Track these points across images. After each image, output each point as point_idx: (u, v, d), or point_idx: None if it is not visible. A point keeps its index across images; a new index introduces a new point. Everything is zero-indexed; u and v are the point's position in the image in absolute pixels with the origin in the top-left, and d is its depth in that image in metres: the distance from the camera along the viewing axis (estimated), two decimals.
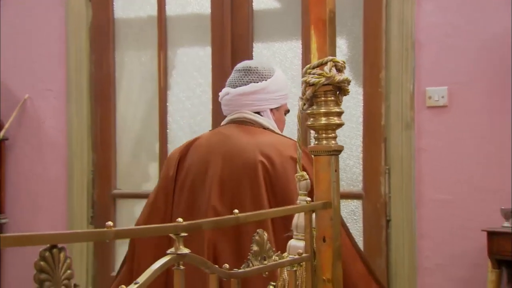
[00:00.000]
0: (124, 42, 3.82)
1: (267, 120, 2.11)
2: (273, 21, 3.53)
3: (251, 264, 1.14)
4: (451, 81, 3.09)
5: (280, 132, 2.15)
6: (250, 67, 2.15)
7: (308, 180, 1.44)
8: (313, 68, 1.41)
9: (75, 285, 0.78)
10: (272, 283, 1.21)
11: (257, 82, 2.10)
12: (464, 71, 3.08)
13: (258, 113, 2.11)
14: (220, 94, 2.19)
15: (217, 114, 3.56)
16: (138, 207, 3.83)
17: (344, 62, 1.41)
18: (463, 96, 3.08)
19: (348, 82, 1.42)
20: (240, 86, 2.12)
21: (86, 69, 3.77)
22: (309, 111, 1.43)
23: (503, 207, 2.80)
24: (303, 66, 3.41)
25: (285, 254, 1.36)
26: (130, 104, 3.84)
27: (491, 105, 3.03)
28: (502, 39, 2.99)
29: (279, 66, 3.51)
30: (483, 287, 2.92)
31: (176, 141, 3.70)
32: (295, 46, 3.45)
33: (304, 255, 1.31)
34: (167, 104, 3.70)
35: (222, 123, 2.19)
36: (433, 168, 3.11)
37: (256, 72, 2.13)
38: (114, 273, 3.62)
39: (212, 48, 3.58)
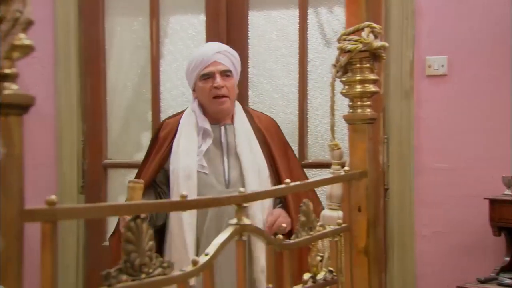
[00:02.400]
0: (115, 8, 3.72)
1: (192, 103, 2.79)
2: None
3: (300, 235, 1.12)
4: (451, 50, 3.08)
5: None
6: None
7: (342, 149, 1.42)
8: (349, 34, 1.38)
9: (156, 256, 0.75)
10: (320, 254, 1.19)
11: None
12: (464, 40, 3.06)
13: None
14: None
15: None
16: (129, 177, 3.75)
17: (381, 28, 1.38)
18: (463, 65, 3.07)
19: (385, 48, 1.40)
20: None
21: (74, 36, 3.66)
22: (343, 79, 1.40)
23: (504, 175, 2.81)
24: (299, 34, 3.36)
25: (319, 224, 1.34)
26: (121, 72, 3.75)
27: (490, 74, 3.03)
28: (503, 7, 2.98)
29: (276, 34, 3.46)
30: (482, 254, 2.95)
31: (169, 110, 3.64)
32: (292, 14, 3.39)
33: (343, 225, 1.29)
34: (160, 73, 3.63)
35: None
36: (432, 137, 3.11)
37: None
38: (106, 243, 3.57)
39: (206, 16, 3.50)
